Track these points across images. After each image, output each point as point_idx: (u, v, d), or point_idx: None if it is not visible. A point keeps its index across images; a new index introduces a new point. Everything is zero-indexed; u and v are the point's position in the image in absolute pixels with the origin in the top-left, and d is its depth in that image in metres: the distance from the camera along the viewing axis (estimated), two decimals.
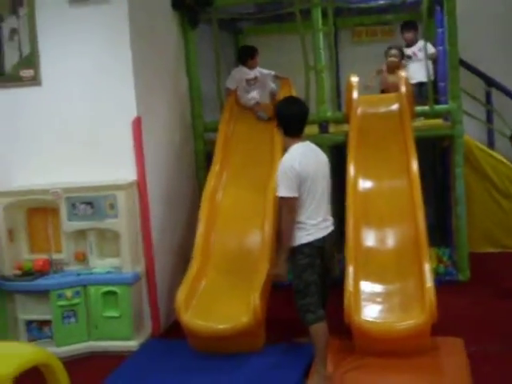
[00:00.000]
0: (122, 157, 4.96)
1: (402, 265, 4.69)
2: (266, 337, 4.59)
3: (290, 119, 4.13)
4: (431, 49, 6.37)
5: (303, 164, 3.99)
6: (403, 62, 6.53)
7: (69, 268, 4.96)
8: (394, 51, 6.51)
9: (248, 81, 6.01)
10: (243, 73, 6.03)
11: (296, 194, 3.98)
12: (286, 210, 4.02)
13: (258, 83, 6.04)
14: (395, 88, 6.10)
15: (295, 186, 3.97)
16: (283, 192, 4.00)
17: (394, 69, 6.43)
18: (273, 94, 6.08)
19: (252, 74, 6.04)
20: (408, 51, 6.65)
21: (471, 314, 5.06)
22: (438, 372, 3.97)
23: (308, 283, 4.03)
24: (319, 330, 4.00)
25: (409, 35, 6.67)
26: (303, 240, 4.03)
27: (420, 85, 6.44)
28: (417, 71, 6.42)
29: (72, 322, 4.80)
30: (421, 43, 6.44)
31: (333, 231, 4.22)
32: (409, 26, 6.72)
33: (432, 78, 6.21)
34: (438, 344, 4.28)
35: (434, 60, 6.44)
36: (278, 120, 4.21)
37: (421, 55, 6.35)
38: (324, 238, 4.10)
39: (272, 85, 6.13)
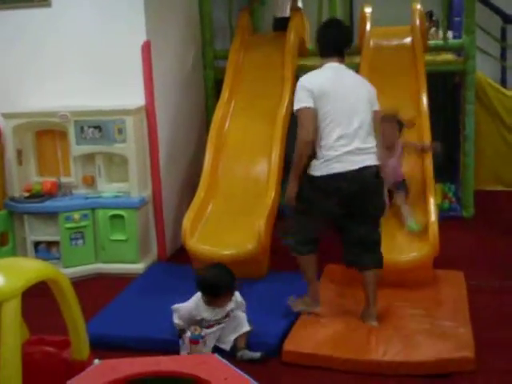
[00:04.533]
0: (131, 81, 4.92)
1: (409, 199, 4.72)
2: (269, 264, 4.67)
3: (322, 40, 3.88)
4: None
5: (317, 82, 3.67)
6: None
7: (77, 191, 5.01)
8: None
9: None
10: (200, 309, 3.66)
11: (307, 104, 3.61)
12: (299, 125, 3.65)
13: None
14: None
15: (306, 98, 3.63)
16: (295, 106, 3.71)
17: None
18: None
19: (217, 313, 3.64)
20: None
21: (473, 250, 5.11)
22: (436, 301, 4.05)
23: (297, 212, 3.81)
24: (301, 261, 3.85)
25: None
26: (315, 172, 3.64)
27: None
28: None
29: (79, 244, 4.88)
30: None
31: (370, 170, 3.64)
32: None
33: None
34: (439, 276, 4.35)
35: None
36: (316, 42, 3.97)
37: None
38: (346, 174, 3.56)
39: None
